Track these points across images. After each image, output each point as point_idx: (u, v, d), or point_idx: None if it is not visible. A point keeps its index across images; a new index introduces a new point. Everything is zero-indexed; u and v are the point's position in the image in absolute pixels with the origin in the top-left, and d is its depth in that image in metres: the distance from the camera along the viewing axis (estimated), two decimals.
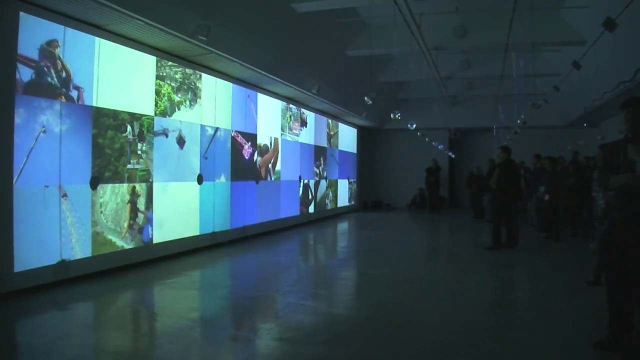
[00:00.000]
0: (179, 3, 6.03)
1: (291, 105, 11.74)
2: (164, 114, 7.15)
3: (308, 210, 13.00)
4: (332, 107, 13.06)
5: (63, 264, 5.44)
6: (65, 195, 5.48)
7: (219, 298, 5.45)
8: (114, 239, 6.20)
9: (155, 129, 6.94)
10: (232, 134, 8.98)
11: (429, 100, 13.95)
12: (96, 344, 3.91)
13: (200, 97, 8.04)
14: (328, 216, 14.56)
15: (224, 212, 8.76)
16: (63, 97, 5.47)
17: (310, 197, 13.17)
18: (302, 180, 12.51)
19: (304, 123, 12.62)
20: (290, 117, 11.71)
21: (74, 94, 5.62)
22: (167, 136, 7.23)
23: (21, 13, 4.95)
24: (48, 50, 5.26)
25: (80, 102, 5.71)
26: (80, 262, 5.67)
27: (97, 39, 5.94)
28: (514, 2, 7.09)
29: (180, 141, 7.50)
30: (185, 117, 7.67)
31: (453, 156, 18.16)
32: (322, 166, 14.03)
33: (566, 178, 9.29)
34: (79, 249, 5.68)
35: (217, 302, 5.25)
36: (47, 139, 5.27)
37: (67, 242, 5.51)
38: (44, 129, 5.21)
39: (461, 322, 4.34)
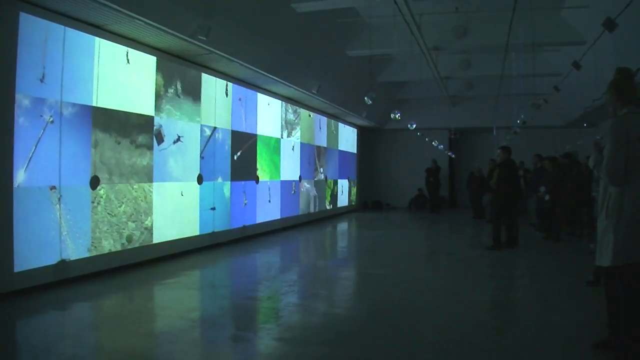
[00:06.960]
0: (179, 3, 6.03)
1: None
2: (163, 113, 7.16)
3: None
4: (332, 107, 13.06)
5: (63, 264, 5.44)
6: (64, 195, 5.48)
7: (219, 298, 5.46)
8: (114, 239, 6.20)
9: (154, 129, 6.95)
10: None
11: (429, 100, 13.95)
12: (96, 344, 3.91)
13: (199, 97, 8.04)
14: (328, 216, 14.56)
15: (224, 212, 8.76)
16: None
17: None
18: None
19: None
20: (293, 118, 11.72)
21: None
22: (165, 136, 7.23)
23: (21, 13, 4.95)
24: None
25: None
26: (80, 262, 5.67)
27: (97, 39, 5.94)
28: (514, 2, 7.09)
29: (159, 136, 7.13)
30: (185, 117, 7.67)
31: (453, 156, 18.16)
32: (323, 166, 14.04)
33: (567, 178, 9.28)
34: (79, 249, 5.68)
35: (217, 302, 5.26)
36: (47, 139, 5.27)
37: (67, 242, 5.51)
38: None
39: (461, 322, 4.34)
